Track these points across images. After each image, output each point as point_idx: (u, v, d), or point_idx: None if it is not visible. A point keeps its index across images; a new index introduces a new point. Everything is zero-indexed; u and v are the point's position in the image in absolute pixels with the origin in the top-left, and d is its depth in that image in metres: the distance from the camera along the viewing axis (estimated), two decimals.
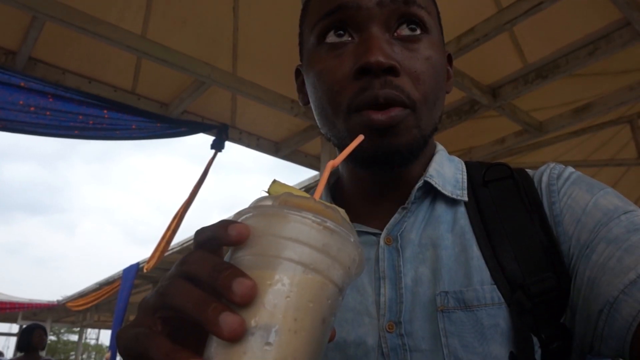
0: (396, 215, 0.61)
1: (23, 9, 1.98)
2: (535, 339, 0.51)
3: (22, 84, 2.25)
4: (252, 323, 0.30)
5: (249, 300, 0.31)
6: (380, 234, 0.61)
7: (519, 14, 2.07)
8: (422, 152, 0.62)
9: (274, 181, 0.38)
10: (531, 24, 2.24)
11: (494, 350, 0.51)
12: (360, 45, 0.56)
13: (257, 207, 0.35)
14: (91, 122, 2.44)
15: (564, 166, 0.61)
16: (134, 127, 2.58)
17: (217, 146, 2.93)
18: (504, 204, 0.59)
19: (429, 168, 0.63)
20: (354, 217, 0.64)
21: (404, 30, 0.57)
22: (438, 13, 0.65)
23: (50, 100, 2.31)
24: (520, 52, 2.56)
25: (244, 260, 0.33)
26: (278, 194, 0.36)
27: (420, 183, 0.61)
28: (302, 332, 0.31)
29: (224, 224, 0.34)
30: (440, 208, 0.62)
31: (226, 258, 0.38)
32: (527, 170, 0.64)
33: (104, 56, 2.51)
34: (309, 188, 3.84)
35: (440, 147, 0.68)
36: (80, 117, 2.40)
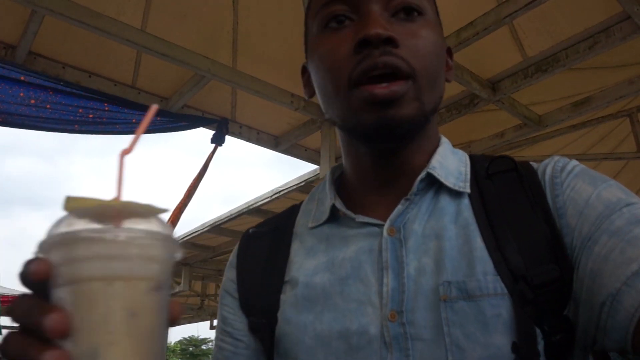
0: (399, 207, 0.62)
1: (22, 3, 1.97)
2: (538, 331, 0.52)
3: (22, 78, 2.25)
4: (77, 350, 0.32)
5: (64, 331, 0.32)
6: (384, 225, 0.62)
7: (518, 7, 2.06)
8: (423, 131, 0.63)
9: (69, 198, 0.36)
10: (531, 17, 2.24)
11: (496, 340, 0.52)
12: (359, 24, 0.59)
13: (50, 236, 0.34)
14: (91, 115, 2.44)
15: (568, 159, 0.62)
16: (134, 121, 2.58)
17: (218, 140, 2.93)
18: (508, 197, 0.60)
19: (432, 160, 0.64)
20: (358, 208, 0.65)
21: (407, 14, 0.60)
22: (436, 8, 0.67)
23: (51, 93, 2.31)
24: (520, 45, 2.56)
25: (54, 294, 0.34)
26: (73, 210, 0.35)
27: (422, 175, 0.62)
28: (118, 343, 0.32)
29: (23, 266, 0.35)
30: (444, 200, 0.62)
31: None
32: (531, 163, 0.64)
33: (104, 50, 2.50)
34: (310, 182, 3.84)
35: (444, 140, 0.69)
36: (81, 110, 2.40)
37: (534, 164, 0.64)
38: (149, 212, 0.36)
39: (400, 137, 0.61)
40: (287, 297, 0.64)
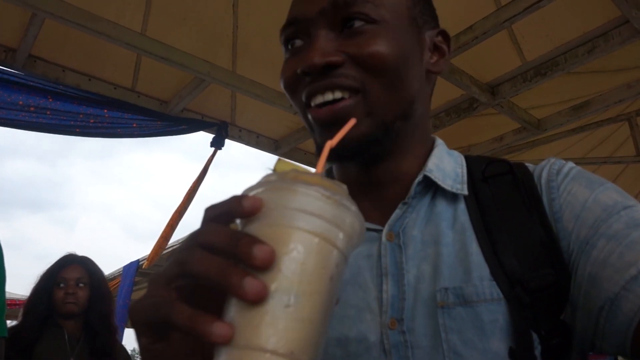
0: (397, 211, 0.61)
1: (22, 6, 1.97)
2: (535, 335, 0.52)
3: (21, 83, 2.25)
4: (272, 287, 0.33)
5: (268, 265, 0.33)
6: (382, 229, 0.61)
7: (517, 11, 2.07)
8: (406, 137, 0.62)
9: (279, 159, 0.40)
10: (530, 21, 2.24)
11: (494, 345, 0.52)
12: (306, 48, 0.60)
13: (268, 182, 0.37)
14: (92, 120, 2.44)
15: (564, 161, 0.62)
16: (134, 125, 2.58)
17: (217, 144, 2.93)
18: (504, 200, 0.60)
19: (428, 162, 0.63)
20: None
21: (353, 27, 0.60)
22: (406, 6, 0.63)
23: (50, 100, 2.31)
24: (519, 50, 2.56)
25: (259, 231, 0.35)
26: (285, 171, 0.38)
27: (419, 177, 0.61)
28: (315, 295, 0.34)
29: (236, 198, 0.36)
30: (441, 204, 0.62)
31: None
32: (527, 164, 0.64)
33: (104, 54, 2.50)
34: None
35: (439, 142, 0.69)
36: (81, 116, 2.40)
37: (530, 166, 0.64)
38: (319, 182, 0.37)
39: (357, 155, 0.60)
40: None
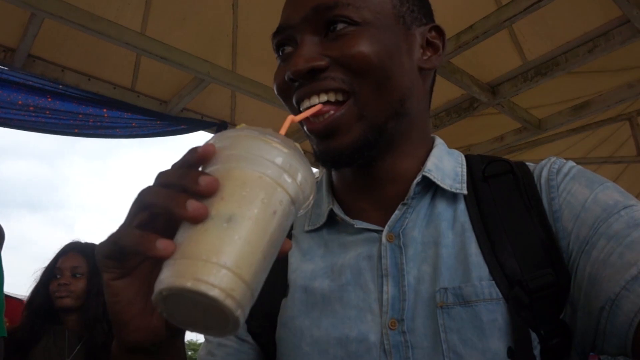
0: (397, 212, 0.61)
1: (22, 6, 1.97)
2: (534, 335, 0.52)
3: (20, 83, 2.24)
4: (213, 212, 0.37)
5: (211, 191, 0.37)
6: (382, 230, 0.61)
7: (518, 11, 2.06)
8: (386, 142, 0.62)
9: (240, 125, 0.45)
10: (530, 21, 2.24)
11: (493, 345, 0.51)
12: (292, 56, 0.62)
13: (222, 134, 0.42)
14: (91, 120, 2.44)
15: (564, 160, 0.61)
16: (134, 124, 2.58)
17: None
18: (504, 200, 0.59)
19: (427, 162, 0.63)
20: (354, 213, 0.64)
21: (335, 30, 0.60)
22: (392, 4, 0.63)
23: (50, 100, 2.30)
24: (520, 49, 2.56)
25: (211, 171, 0.40)
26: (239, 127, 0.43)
27: (418, 178, 0.61)
28: (254, 220, 0.38)
29: (192, 148, 0.41)
30: (441, 205, 0.62)
31: None
32: (528, 164, 0.64)
33: (103, 53, 2.50)
34: None
35: (439, 141, 0.69)
36: (80, 116, 2.40)
37: (531, 165, 0.63)
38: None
39: (352, 161, 0.60)
40: (286, 300, 0.64)
